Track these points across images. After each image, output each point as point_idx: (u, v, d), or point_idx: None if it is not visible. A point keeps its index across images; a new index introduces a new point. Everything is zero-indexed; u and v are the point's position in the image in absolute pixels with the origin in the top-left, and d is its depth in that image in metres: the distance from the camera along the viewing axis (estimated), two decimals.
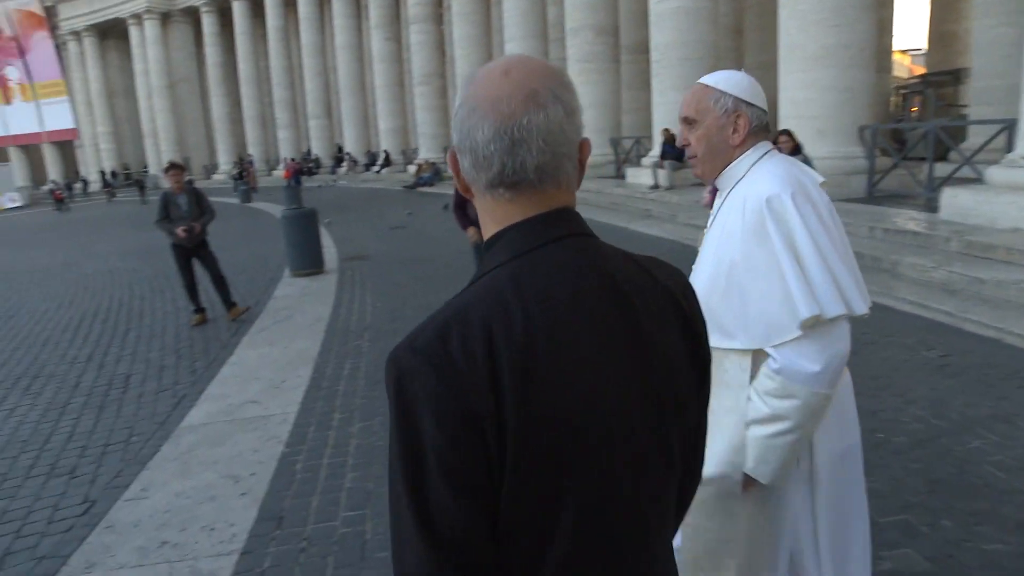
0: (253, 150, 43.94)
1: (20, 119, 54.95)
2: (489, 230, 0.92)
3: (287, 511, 3.52)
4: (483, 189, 0.90)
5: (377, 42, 33.65)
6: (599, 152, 19.52)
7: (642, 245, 10.46)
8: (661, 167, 15.37)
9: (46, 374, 6.52)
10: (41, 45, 52.90)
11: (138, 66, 48.59)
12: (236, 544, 3.23)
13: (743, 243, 1.62)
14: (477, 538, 0.79)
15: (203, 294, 8.31)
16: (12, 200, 43.15)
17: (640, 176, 16.46)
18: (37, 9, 51.90)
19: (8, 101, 55.45)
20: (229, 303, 7.97)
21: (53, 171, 54.31)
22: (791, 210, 1.57)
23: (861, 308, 1.60)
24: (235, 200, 27.03)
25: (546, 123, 0.86)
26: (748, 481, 1.67)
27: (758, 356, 1.65)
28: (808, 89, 11.04)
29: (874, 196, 10.65)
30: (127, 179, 48.06)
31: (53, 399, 5.74)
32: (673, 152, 15.17)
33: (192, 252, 7.88)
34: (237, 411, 4.96)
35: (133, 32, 47.88)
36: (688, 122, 1.74)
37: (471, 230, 6.76)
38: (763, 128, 1.73)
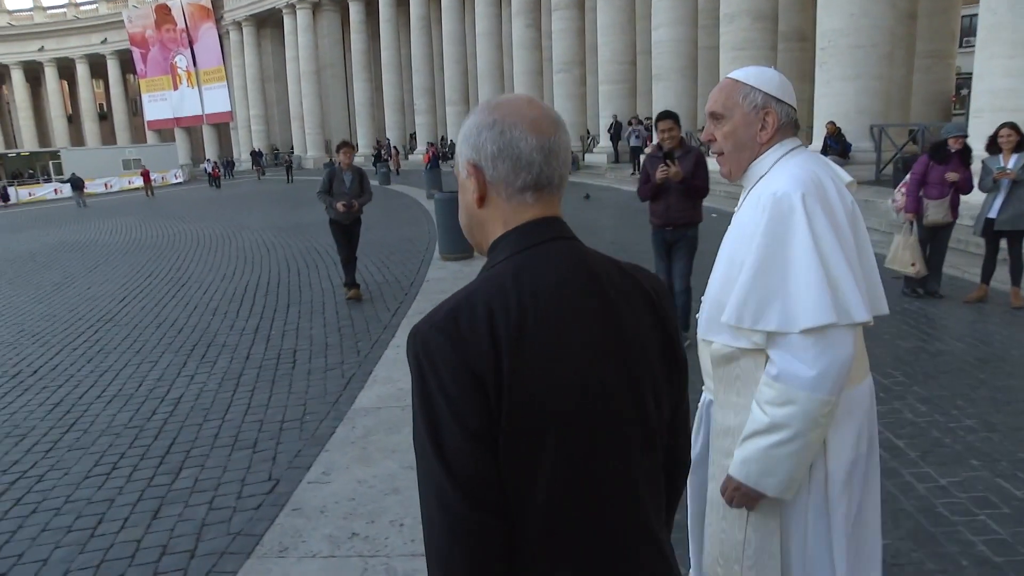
0: (391, 134, 45.35)
1: (185, 103, 59.72)
2: (497, 231, 1.08)
3: None
4: (513, 193, 1.05)
5: (517, 29, 33.63)
6: None
7: None
8: None
9: (218, 343, 6.76)
10: (206, 35, 57.00)
11: (289, 53, 51.41)
12: None
13: (756, 241, 1.59)
14: (486, 474, 0.95)
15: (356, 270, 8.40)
16: (176, 176, 47.02)
17: None
18: (206, 2, 55.92)
19: (176, 87, 60.30)
20: (352, 283, 8.24)
21: (210, 150, 58.54)
22: (799, 211, 1.54)
23: (862, 316, 1.54)
24: (375, 182, 27.90)
25: (566, 144, 1.08)
26: (756, 494, 1.63)
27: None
28: (1014, 77, 9.76)
29: None
30: (275, 159, 51.10)
31: (228, 369, 5.91)
32: (836, 147, 14.06)
33: (347, 228, 8.12)
34: (408, 397, 4.84)
35: (287, 20, 50.64)
36: (715, 117, 1.72)
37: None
38: (791, 125, 1.71)
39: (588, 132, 30.49)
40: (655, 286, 1.14)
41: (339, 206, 7.83)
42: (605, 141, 27.30)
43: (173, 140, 59.82)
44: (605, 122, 27.12)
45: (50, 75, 67.23)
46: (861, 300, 1.54)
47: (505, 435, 0.95)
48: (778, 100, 1.67)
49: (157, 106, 62.29)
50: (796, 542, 1.70)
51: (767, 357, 1.60)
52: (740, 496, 1.65)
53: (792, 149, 1.69)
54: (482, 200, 1.07)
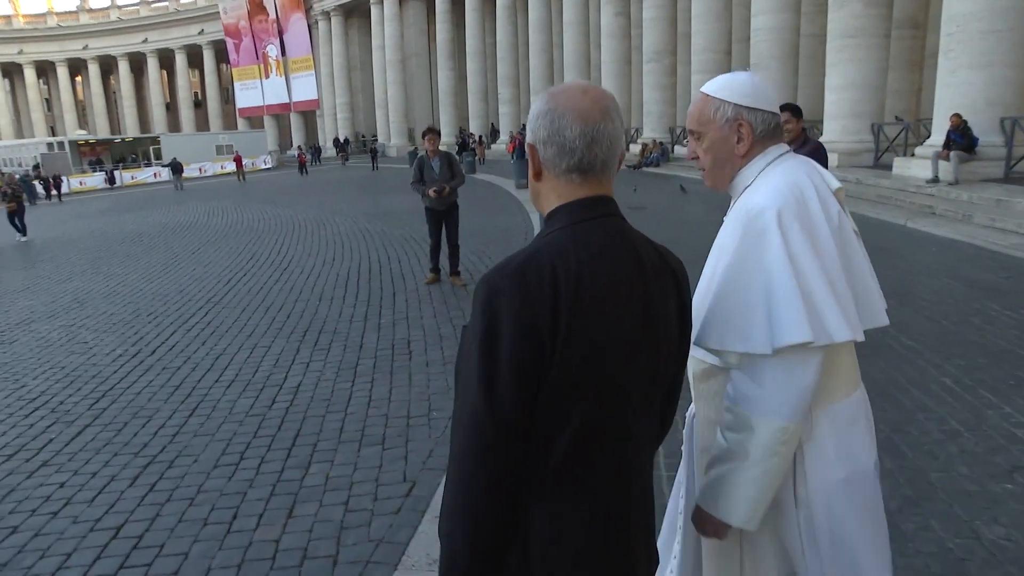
0: (474, 123, 45.44)
1: (274, 91, 61.54)
2: (552, 203, 1.24)
3: None
4: (560, 173, 1.22)
5: (606, 17, 32.94)
6: (854, 139, 17.45)
7: (935, 247, 8.93)
8: (945, 158, 13.26)
9: (329, 330, 6.68)
10: (296, 25, 58.47)
11: (375, 42, 52.17)
12: None
13: (725, 260, 1.55)
14: (523, 414, 1.09)
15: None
16: (265, 162, 48.50)
17: (911, 167, 14.39)
18: None
19: (267, 76, 62.19)
20: (455, 271, 8.30)
21: (297, 137, 60.19)
22: (773, 229, 1.48)
23: (843, 335, 1.47)
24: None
25: (612, 131, 1.21)
26: (722, 524, 1.57)
27: None
28: None
29: None
30: (362, 146, 52.11)
31: (342, 358, 5.80)
32: (961, 142, 13.05)
33: (443, 215, 8.17)
34: None
35: (374, 10, 51.37)
36: (693, 134, 1.69)
37: None
38: (771, 132, 1.64)
39: (676, 124, 29.65)
40: (679, 268, 1.29)
41: (431, 192, 7.86)
42: None
43: (262, 127, 61.76)
44: None
45: (152, 65, 70.59)
46: (841, 318, 1.46)
47: (551, 382, 1.08)
48: (751, 109, 1.61)
49: (248, 94, 64.44)
50: (764, 568, 1.64)
51: None
52: (710, 525, 1.59)
53: (777, 157, 1.64)
54: (538, 175, 1.25)
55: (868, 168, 16.75)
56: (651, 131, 28.81)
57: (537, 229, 11.33)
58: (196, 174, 41.96)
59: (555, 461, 1.13)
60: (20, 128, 73.75)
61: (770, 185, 1.56)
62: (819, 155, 4.98)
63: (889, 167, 15.53)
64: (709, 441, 1.63)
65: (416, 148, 32.45)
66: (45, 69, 74.08)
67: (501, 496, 1.11)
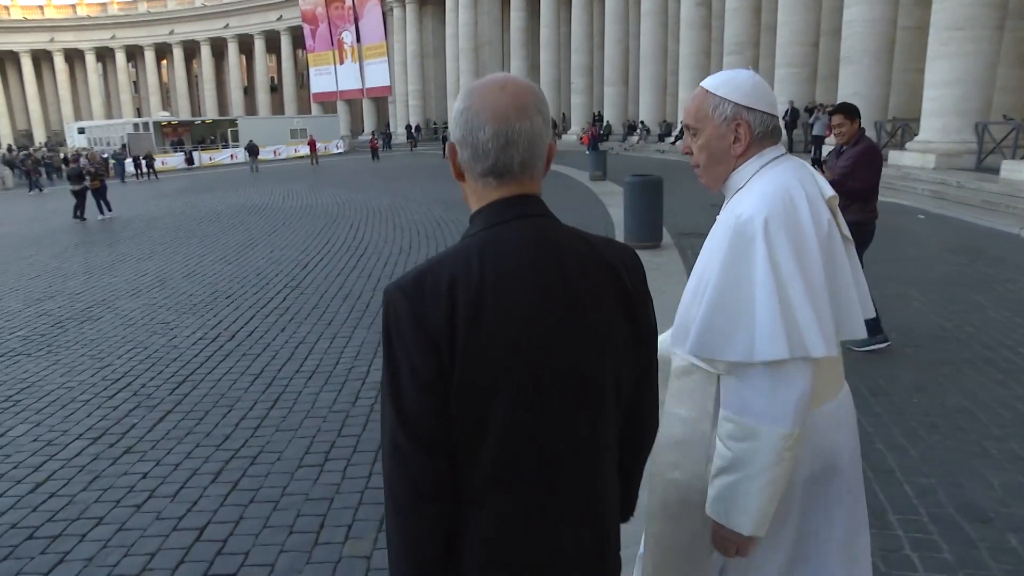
0: None
1: (347, 77, 62.29)
2: (473, 206, 1.19)
3: None
4: (476, 176, 1.16)
5: (686, 8, 32.02)
6: (955, 139, 16.31)
7: None
8: None
9: None
10: (372, 12, 58.95)
11: (449, 30, 52.14)
12: None
13: (716, 268, 1.53)
14: (431, 419, 1.06)
15: None
16: (338, 147, 49.26)
17: (1022, 171, 13.36)
18: None
19: (341, 62, 63.04)
20: None
21: (368, 123, 60.89)
22: (759, 238, 1.46)
23: (818, 351, 1.44)
24: None
25: (531, 130, 1.13)
26: (734, 535, 1.52)
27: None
28: None
29: None
30: (434, 133, 52.44)
31: None
32: None
33: None
34: None
35: None
36: (690, 130, 1.66)
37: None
38: (768, 134, 1.61)
39: None
40: (625, 260, 1.22)
41: None
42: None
43: (335, 112, 62.68)
44: (780, 109, 25.20)
45: (232, 50, 72.52)
46: (818, 333, 1.45)
47: (456, 390, 1.06)
48: (750, 109, 1.58)
49: (322, 79, 65.45)
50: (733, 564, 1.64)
51: (718, 378, 1.56)
52: (731, 545, 1.55)
53: (771, 160, 1.61)
54: (460, 176, 1.20)
55: (970, 171, 15.64)
56: None
57: (615, 222, 10.93)
58: (270, 157, 42.81)
59: (484, 468, 1.10)
60: (110, 109, 77.01)
61: (761, 190, 1.54)
62: (867, 157, 4.84)
63: (995, 170, 14.45)
64: (676, 433, 1.64)
65: None
66: (134, 53, 77.02)
67: (425, 507, 1.09)
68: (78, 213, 17.21)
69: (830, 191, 1.62)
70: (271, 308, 7.32)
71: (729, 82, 1.59)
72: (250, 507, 3.39)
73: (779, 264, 1.45)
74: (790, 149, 24.11)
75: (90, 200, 17.44)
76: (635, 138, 35.92)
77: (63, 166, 31.62)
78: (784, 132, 24.40)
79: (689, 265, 8.11)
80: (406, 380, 1.07)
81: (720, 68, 29.19)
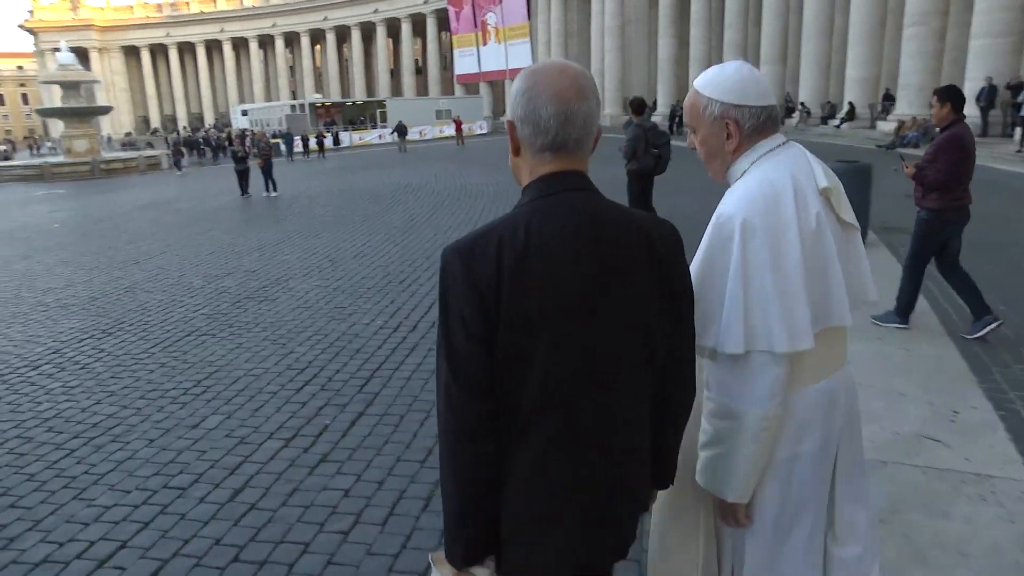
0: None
1: (490, 58, 62.58)
2: (525, 178, 1.32)
3: None
4: (534, 151, 1.29)
5: None
6: None
7: None
8: None
9: None
10: None
11: (595, 7, 50.85)
12: None
13: (696, 262, 1.63)
14: (479, 366, 1.21)
15: None
16: (481, 127, 49.54)
17: None
18: None
19: (484, 43, 63.42)
20: None
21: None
22: (736, 237, 1.54)
23: (782, 346, 1.52)
24: (682, 143, 26.15)
25: (587, 111, 1.27)
26: (737, 509, 1.66)
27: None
28: None
29: None
30: None
31: None
32: None
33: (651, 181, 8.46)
34: (912, 448, 3.34)
35: None
36: (690, 128, 1.74)
37: None
38: (760, 127, 1.65)
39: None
40: (661, 231, 1.34)
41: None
42: (972, 109, 22.47)
43: (477, 93, 63.23)
44: (973, 86, 22.25)
45: (380, 33, 74.90)
46: (783, 330, 1.51)
47: (501, 340, 1.21)
48: (737, 106, 1.62)
49: (465, 61, 66.19)
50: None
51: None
52: (730, 515, 1.67)
53: (766, 152, 1.65)
54: (516, 151, 1.34)
55: None
56: (907, 106, 25.04)
57: None
58: (416, 137, 43.64)
59: (525, 412, 1.25)
60: (269, 92, 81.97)
61: (747, 187, 1.60)
62: (948, 145, 4.74)
63: None
64: None
65: (631, 118, 30.97)
66: (292, 40, 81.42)
67: (473, 446, 1.24)
68: (244, 190, 17.97)
69: (824, 182, 1.62)
70: None
71: (714, 80, 1.65)
72: None
73: (750, 264, 1.52)
74: (983, 133, 21.24)
75: (257, 177, 18.13)
76: (794, 121, 33.38)
77: (226, 145, 33.43)
78: (980, 112, 21.61)
79: (899, 262, 6.90)
80: (457, 331, 1.22)
81: (895, 43, 26.30)
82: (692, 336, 1.41)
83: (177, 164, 31.02)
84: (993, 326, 4.83)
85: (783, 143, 1.65)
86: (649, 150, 8.19)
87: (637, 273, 1.27)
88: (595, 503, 1.30)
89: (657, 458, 1.41)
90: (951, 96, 4.75)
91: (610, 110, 49.37)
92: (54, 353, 5.92)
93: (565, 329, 1.22)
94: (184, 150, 35.00)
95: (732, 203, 1.57)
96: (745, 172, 1.64)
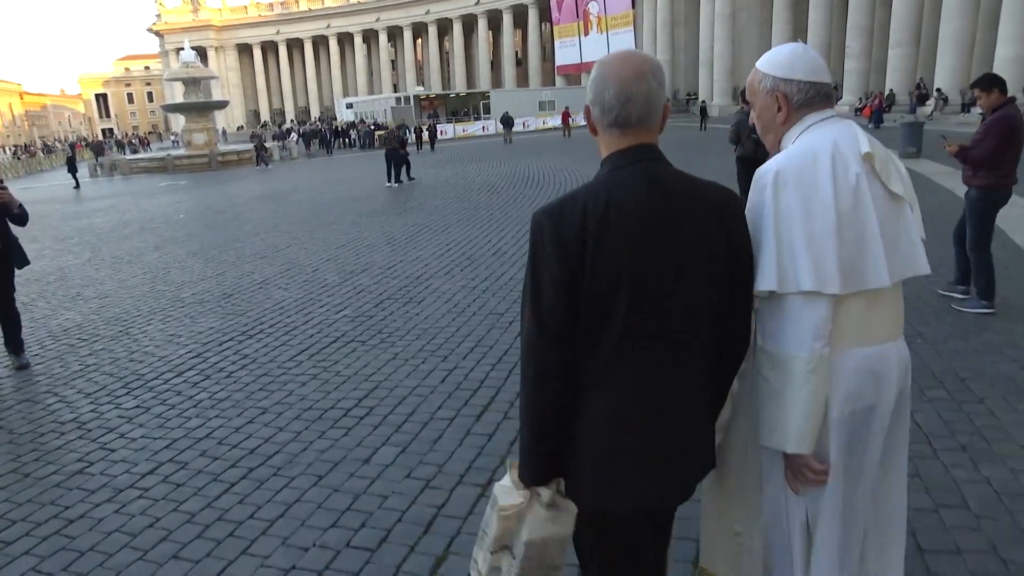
0: None
1: (592, 48, 61.35)
2: (603, 153, 1.54)
3: None
4: (605, 128, 1.51)
5: None
6: None
7: None
8: None
9: None
10: None
11: None
12: None
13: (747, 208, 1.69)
14: (562, 315, 1.41)
15: None
16: (583, 119, 48.46)
17: None
18: None
19: (586, 33, 62.25)
20: None
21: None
22: (768, 189, 1.62)
23: (807, 284, 1.56)
24: None
25: (647, 91, 1.47)
26: (796, 461, 1.67)
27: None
28: None
29: None
30: (685, 105, 49.87)
31: None
32: None
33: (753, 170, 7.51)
34: None
35: None
36: (750, 103, 1.85)
37: None
38: (808, 101, 1.73)
39: None
40: (723, 196, 1.54)
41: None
42: None
43: (579, 84, 62.12)
44: None
45: (481, 25, 74.92)
46: (810, 270, 1.56)
47: (586, 290, 1.40)
48: (786, 80, 1.72)
49: (566, 51, 65.24)
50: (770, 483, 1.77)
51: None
52: (790, 468, 1.68)
53: (812, 124, 1.72)
54: (593, 130, 1.56)
55: None
56: None
57: None
58: (519, 128, 43.04)
59: (603, 354, 1.45)
60: (371, 86, 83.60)
61: (789, 150, 1.70)
62: (997, 126, 4.95)
63: None
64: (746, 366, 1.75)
65: (742, 106, 29.20)
66: (394, 34, 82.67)
67: (548, 386, 1.45)
68: (398, 178, 17.90)
69: (867, 147, 1.66)
70: None
71: (770, 58, 1.77)
72: None
73: (781, 212, 1.60)
74: None
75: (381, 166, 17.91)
76: (928, 108, 30.51)
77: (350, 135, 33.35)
78: None
79: None
80: (545, 283, 1.42)
81: None
82: (750, 287, 1.58)
83: (262, 159, 31.20)
84: (986, 311, 5.10)
85: (831, 116, 1.73)
86: (751, 135, 8.02)
87: (700, 231, 1.47)
88: (663, 448, 1.49)
89: (714, 394, 1.65)
90: (995, 82, 5.06)
91: (718, 100, 47.21)
92: (196, 357, 5.49)
93: (641, 283, 1.42)
94: (267, 147, 35.09)
95: (773, 161, 1.67)
96: (794, 142, 1.73)
